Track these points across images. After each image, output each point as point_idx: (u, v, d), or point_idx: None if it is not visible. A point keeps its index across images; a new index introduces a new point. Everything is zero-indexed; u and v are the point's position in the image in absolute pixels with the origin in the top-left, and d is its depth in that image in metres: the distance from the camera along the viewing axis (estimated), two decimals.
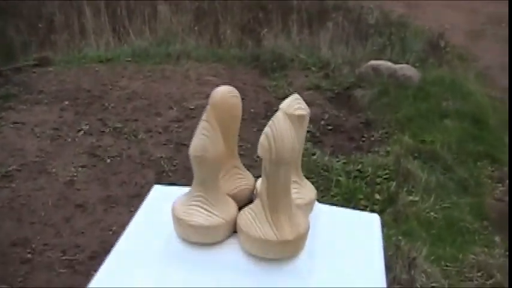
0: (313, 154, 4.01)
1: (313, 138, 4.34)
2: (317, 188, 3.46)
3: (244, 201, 1.03)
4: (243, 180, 1.09)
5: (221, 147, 0.94)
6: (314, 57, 6.13)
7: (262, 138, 0.89)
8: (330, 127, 4.55)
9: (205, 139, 0.93)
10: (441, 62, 6.01)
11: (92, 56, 6.21)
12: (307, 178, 1.10)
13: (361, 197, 3.55)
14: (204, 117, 0.93)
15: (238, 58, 6.19)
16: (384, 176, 3.77)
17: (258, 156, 0.89)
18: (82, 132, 4.42)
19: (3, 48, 6.07)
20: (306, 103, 1.04)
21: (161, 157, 4.05)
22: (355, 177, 3.78)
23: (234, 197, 1.04)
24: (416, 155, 4.07)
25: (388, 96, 5.03)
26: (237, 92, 1.04)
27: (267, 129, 0.89)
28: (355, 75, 5.56)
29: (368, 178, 3.77)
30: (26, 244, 3.15)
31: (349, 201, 3.51)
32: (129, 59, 6.14)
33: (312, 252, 0.99)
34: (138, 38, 6.68)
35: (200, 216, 0.96)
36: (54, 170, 3.87)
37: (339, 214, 1.20)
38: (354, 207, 3.34)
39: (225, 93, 1.03)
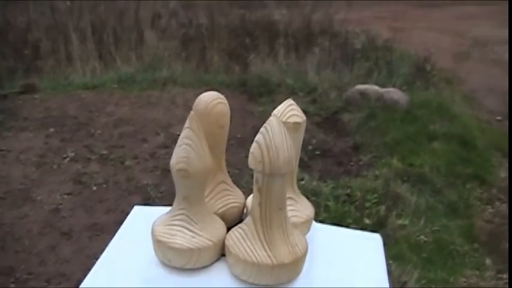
0: (302, 179, 3.98)
1: (301, 163, 4.28)
2: None
3: (233, 221, 0.93)
4: (231, 197, 0.98)
5: (207, 158, 0.85)
6: (301, 82, 6.13)
7: (254, 147, 0.80)
8: (318, 152, 4.53)
9: (188, 150, 0.83)
10: (428, 85, 6.04)
11: (78, 83, 6.18)
12: None
13: (351, 221, 3.51)
14: (187, 124, 0.85)
15: (225, 83, 6.18)
16: (373, 200, 3.74)
17: (250, 169, 0.81)
18: (68, 159, 4.37)
19: None
20: None
21: (148, 184, 4.01)
22: (344, 201, 3.75)
23: (221, 216, 0.94)
24: (405, 178, 4.06)
25: (375, 120, 5.03)
26: (224, 98, 0.95)
27: (259, 137, 0.80)
28: (342, 99, 5.57)
29: (357, 202, 3.74)
30: (9, 273, 3.08)
31: (338, 225, 3.46)
32: (116, 85, 6.11)
33: (310, 277, 0.89)
34: (124, 64, 6.67)
35: (183, 238, 0.86)
36: (39, 197, 3.82)
37: (337, 233, 1.09)
38: None
39: (210, 99, 0.93)
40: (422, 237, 3.38)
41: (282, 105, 0.96)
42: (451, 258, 3.24)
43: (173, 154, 0.85)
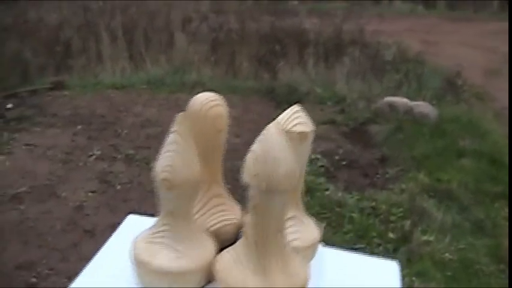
0: (327, 189, 3.95)
1: (327, 173, 4.27)
2: (329, 224, 3.38)
3: (227, 241, 0.80)
4: (227, 213, 0.87)
5: (196, 167, 0.74)
6: (330, 91, 6.10)
7: (249, 158, 0.69)
8: (344, 162, 4.49)
9: (174, 157, 0.73)
10: (458, 100, 5.97)
11: (107, 82, 6.22)
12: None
13: (375, 234, 3.46)
14: (174, 128, 0.75)
15: (253, 90, 6.17)
16: (398, 214, 3.68)
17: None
18: (94, 157, 4.38)
19: (20, 70, 6.10)
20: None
21: None
22: (369, 214, 3.70)
23: (215, 234, 0.82)
24: (431, 193, 3.99)
25: (403, 133, 4.97)
26: (222, 100, 0.85)
27: (255, 146, 0.69)
28: (370, 110, 5.52)
29: (382, 216, 3.69)
30: (31, 268, 3.09)
31: (362, 238, 3.43)
32: (144, 86, 6.14)
33: None
34: (154, 65, 6.69)
35: (165, 258, 0.74)
36: (63, 194, 3.83)
37: (349, 260, 0.96)
38: (367, 245, 3.28)
39: (206, 100, 0.83)
40: (447, 254, 3.31)
41: (287, 111, 0.85)
42: (476, 278, 3.18)
43: (158, 161, 0.75)
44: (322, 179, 4.09)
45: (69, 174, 4.12)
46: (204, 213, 0.85)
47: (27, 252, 3.20)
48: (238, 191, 0.89)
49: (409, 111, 5.32)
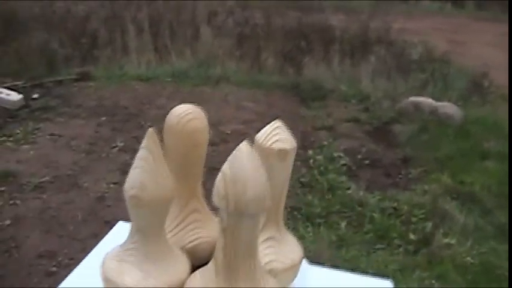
0: (348, 188, 3.93)
1: (349, 171, 4.25)
2: (350, 224, 3.35)
3: (205, 259, 0.74)
4: (204, 230, 0.82)
5: (166, 185, 0.71)
6: (354, 89, 6.06)
7: (219, 178, 0.65)
8: (366, 161, 4.46)
9: (142, 174, 0.69)
10: (484, 102, 5.90)
11: (132, 74, 6.25)
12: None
13: (395, 235, 3.44)
14: (143, 143, 0.72)
15: (278, 85, 6.16)
16: (420, 216, 3.65)
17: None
18: (117, 148, 4.41)
19: (47, 60, 6.15)
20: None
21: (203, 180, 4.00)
22: (390, 214, 3.68)
23: (191, 252, 0.79)
24: (454, 195, 3.95)
25: (427, 134, 4.93)
26: (201, 113, 0.81)
27: (225, 166, 0.65)
28: (395, 110, 5.48)
29: (403, 216, 3.66)
30: (52, 257, 3.11)
31: (382, 238, 3.41)
32: (169, 79, 6.16)
33: None
34: (179, 58, 6.71)
35: (133, 278, 0.70)
36: (86, 184, 3.86)
37: (337, 280, 0.89)
38: (387, 246, 3.25)
39: (183, 113, 0.80)
40: (468, 258, 3.27)
41: (267, 127, 0.79)
42: (497, 283, 3.13)
43: (128, 177, 0.72)
44: (344, 178, 4.07)
45: (91, 165, 4.15)
46: (181, 230, 0.82)
47: (49, 241, 3.23)
48: None
49: (433, 111, 5.27)
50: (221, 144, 4.57)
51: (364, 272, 2.94)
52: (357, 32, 7.57)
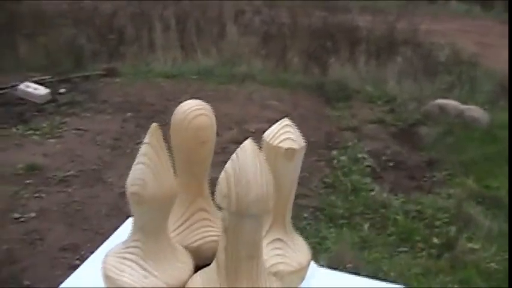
0: (372, 190, 3.90)
1: (373, 173, 4.22)
2: (373, 226, 3.33)
3: (210, 259, 0.72)
4: (211, 229, 0.81)
5: (168, 182, 0.69)
6: (380, 90, 6.03)
7: (221, 177, 0.64)
8: (391, 163, 4.43)
9: (145, 170, 0.68)
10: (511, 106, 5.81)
11: (158, 71, 6.29)
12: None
13: (418, 238, 3.41)
14: (146, 139, 0.71)
15: (303, 85, 6.14)
16: (444, 220, 3.62)
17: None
18: (141, 144, 4.42)
19: (74, 56, 6.21)
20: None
21: (216, 177, 4.01)
22: (414, 217, 3.65)
23: (195, 251, 0.77)
24: (479, 200, 3.91)
25: (453, 137, 4.88)
26: (209, 109, 0.80)
27: (228, 164, 0.64)
28: (420, 112, 5.43)
29: (427, 220, 3.63)
30: (75, 250, 3.14)
31: (405, 241, 3.38)
32: (194, 76, 6.18)
33: None
34: (204, 56, 6.73)
35: (132, 276, 0.69)
36: (110, 179, 3.89)
37: (347, 285, 0.86)
38: (410, 249, 3.23)
39: (190, 110, 0.78)
40: (492, 264, 3.23)
41: (275, 125, 0.77)
42: None
43: (130, 173, 0.70)
44: (367, 179, 4.05)
45: (116, 160, 4.17)
46: (186, 229, 0.80)
47: (72, 235, 3.26)
48: None
49: (460, 114, 5.22)
50: None
51: (386, 274, 2.93)
52: (383, 33, 7.52)
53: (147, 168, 0.68)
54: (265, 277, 0.69)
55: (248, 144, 0.64)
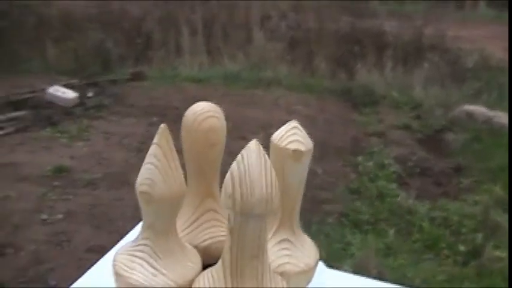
0: (397, 196, 3.88)
1: (399, 179, 4.20)
2: (398, 232, 3.30)
3: (218, 258, 0.72)
4: (220, 228, 0.81)
5: (178, 182, 0.71)
6: (406, 96, 5.99)
7: (227, 177, 0.64)
8: (417, 169, 4.40)
9: (153, 171, 0.71)
10: None
11: (185, 75, 6.33)
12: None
13: (444, 245, 3.38)
14: (155, 139, 0.73)
15: (330, 90, 6.13)
16: (470, 227, 3.58)
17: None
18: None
19: (102, 60, 6.28)
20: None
21: None
22: (440, 224, 3.62)
23: (205, 251, 0.78)
24: (506, 207, 3.86)
25: (481, 143, 4.83)
26: (219, 111, 0.82)
27: (233, 165, 0.64)
28: (447, 118, 5.39)
29: (453, 227, 3.59)
30: (101, 251, 3.14)
31: (430, 248, 3.36)
32: (221, 81, 6.20)
33: None
34: (231, 61, 6.75)
35: (142, 274, 0.70)
36: (135, 182, 3.91)
37: (355, 286, 0.85)
38: (436, 256, 3.20)
39: (200, 112, 0.80)
40: None
41: (284, 127, 0.79)
42: None
43: (139, 173, 0.72)
44: (393, 185, 4.02)
45: (141, 163, 4.16)
46: (195, 228, 0.81)
47: (98, 236, 3.29)
48: None
49: (487, 121, 5.16)
50: (269, 147, 4.57)
51: (411, 281, 2.91)
52: (410, 38, 7.48)
53: (155, 168, 0.70)
54: (270, 277, 0.69)
55: (253, 144, 0.65)
